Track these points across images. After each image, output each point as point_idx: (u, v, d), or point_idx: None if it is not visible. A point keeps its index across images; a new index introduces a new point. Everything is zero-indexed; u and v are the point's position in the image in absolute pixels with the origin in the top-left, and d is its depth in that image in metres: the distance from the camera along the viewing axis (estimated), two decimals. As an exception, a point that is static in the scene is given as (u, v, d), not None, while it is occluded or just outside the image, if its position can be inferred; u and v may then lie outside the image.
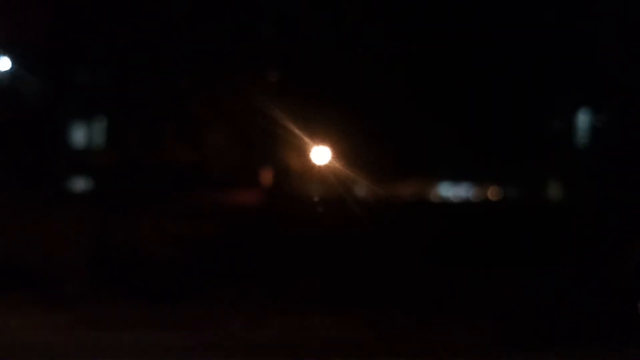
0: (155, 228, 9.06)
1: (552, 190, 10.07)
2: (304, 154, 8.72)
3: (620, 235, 8.67)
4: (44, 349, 6.50)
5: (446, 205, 10.08)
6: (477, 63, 9.09)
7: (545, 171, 9.86)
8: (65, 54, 9.07)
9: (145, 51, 8.89)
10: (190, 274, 8.55)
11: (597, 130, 9.65)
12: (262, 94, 8.40)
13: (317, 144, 8.55)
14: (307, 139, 8.39)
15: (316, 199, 9.24)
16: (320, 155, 8.62)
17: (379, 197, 9.11)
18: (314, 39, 8.93)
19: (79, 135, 9.91)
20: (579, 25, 8.89)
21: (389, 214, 8.85)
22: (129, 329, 7.12)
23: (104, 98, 9.59)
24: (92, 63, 9.35)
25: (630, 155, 8.90)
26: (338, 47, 8.95)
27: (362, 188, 9.15)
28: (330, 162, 8.63)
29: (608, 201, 8.99)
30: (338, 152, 8.63)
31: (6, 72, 8.80)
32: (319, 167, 8.72)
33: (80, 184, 9.86)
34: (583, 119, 9.76)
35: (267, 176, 9.65)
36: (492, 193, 10.07)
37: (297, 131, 8.26)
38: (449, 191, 10.18)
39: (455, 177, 10.10)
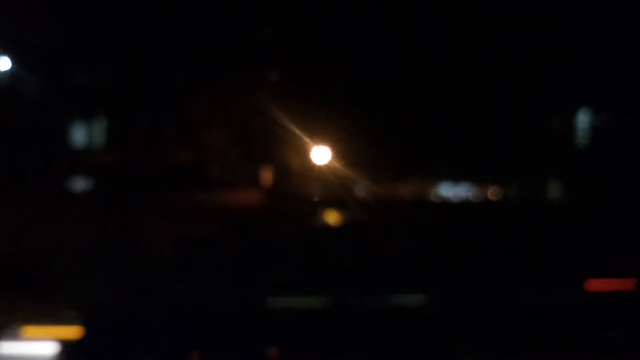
0: (155, 228, 9.05)
1: (552, 190, 10.07)
2: (304, 154, 8.72)
3: (620, 235, 8.67)
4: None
5: (446, 205, 10.08)
6: (477, 63, 9.09)
7: (545, 171, 9.86)
8: (65, 54, 9.06)
9: (145, 51, 8.88)
10: (190, 273, 8.55)
11: (597, 130, 9.65)
12: (262, 94, 8.39)
13: (317, 144, 8.55)
14: (307, 139, 8.39)
15: (316, 199, 9.24)
16: (320, 155, 8.62)
17: (379, 197, 9.10)
18: (313, 39, 8.93)
19: (79, 135, 9.90)
20: (579, 25, 8.88)
21: (389, 214, 8.85)
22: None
23: (104, 98, 9.58)
24: (92, 63, 9.34)
25: (630, 155, 8.90)
26: (338, 47, 8.94)
27: (362, 188, 9.15)
28: (330, 162, 8.63)
29: (608, 201, 8.99)
30: (338, 152, 8.63)
31: (6, 72, 8.80)
32: (319, 167, 8.72)
33: (80, 184, 9.85)
34: (583, 119, 9.76)
35: (267, 176, 9.65)
36: (492, 193, 10.07)
37: (297, 131, 8.26)
38: (449, 191, 10.17)
39: (455, 177, 10.09)
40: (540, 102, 9.41)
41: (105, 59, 9.17)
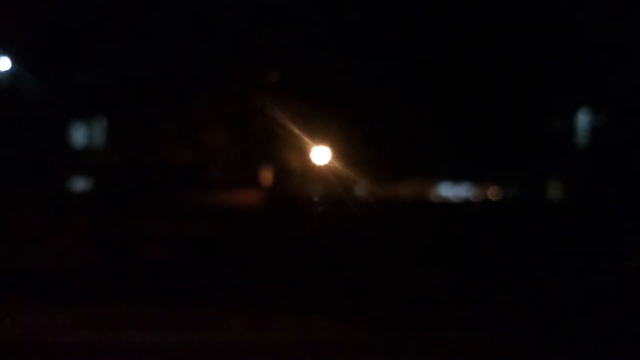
0: (156, 228, 9.06)
1: (552, 190, 10.07)
2: (304, 154, 8.72)
3: (620, 235, 8.67)
4: (45, 349, 6.50)
5: (446, 205, 10.09)
6: (477, 63, 9.09)
7: (545, 171, 9.86)
8: (65, 54, 9.07)
9: (145, 51, 8.89)
10: (190, 274, 8.55)
11: (597, 130, 9.66)
12: (262, 94, 8.39)
13: (317, 144, 8.55)
14: (307, 139, 8.40)
15: (316, 199, 9.24)
16: (320, 155, 8.62)
17: (379, 197, 9.10)
18: (313, 39, 8.93)
19: (79, 135, 9.91)
20: (579, 25, 8.89)
21: (389, 214, 8.85)
22: (129, 329, 7.12)
23: (104, 98, 9.58)
24: (92, 63, 9.35)
25: (630, 155, 8.90)
26: (338, 47, 8.95)
27: (362, 188, 9.15)
28: (330, 162, 8.63)
29: (608, 201, 9.00)
30: (338, 152, 8.63)
31: (6, 72, 8.80)
32: (319, 167, 8.72)
33: (80, 184, 9.85)
34: (583, 119, 9.76)
35: (267, 176, 9.65)
36: (492, 193, 10.08)
37: (297, 131, 8.26)
38: (449, 191, 10.18)
39: (455, 177, 10.10)
40: (540, 103, 9.42)
41: (105, 59, 9.18)
